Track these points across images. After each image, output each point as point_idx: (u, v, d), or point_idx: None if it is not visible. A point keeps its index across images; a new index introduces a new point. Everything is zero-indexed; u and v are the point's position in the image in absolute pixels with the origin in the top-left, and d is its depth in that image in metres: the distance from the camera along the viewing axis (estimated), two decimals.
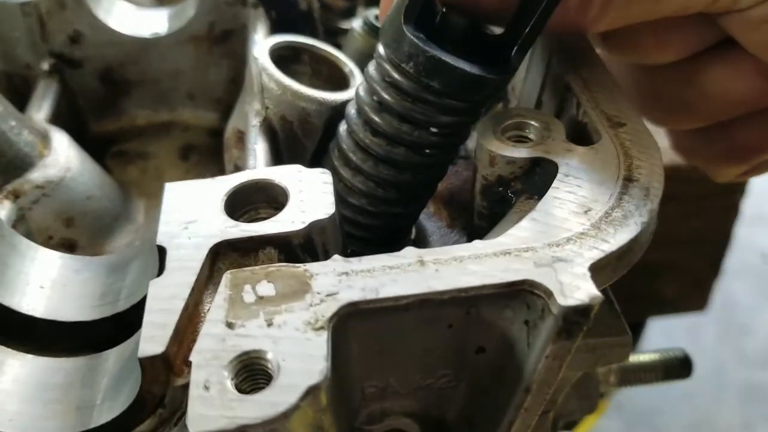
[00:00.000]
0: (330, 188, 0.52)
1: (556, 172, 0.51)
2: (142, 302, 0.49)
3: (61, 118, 0.79)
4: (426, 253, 0.46)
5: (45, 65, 0.82)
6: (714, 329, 2.58)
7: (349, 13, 0.87)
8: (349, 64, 0.71)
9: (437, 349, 0.49)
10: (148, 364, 0.43)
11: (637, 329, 1.81)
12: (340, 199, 0.59)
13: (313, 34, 0.77)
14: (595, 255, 0.45)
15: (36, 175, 0.68)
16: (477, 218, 0.59)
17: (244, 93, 0.73)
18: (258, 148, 0.64)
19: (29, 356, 0.50)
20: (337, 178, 0.60)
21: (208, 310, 0.45)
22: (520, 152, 0.53)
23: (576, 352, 0.47)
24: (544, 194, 0.50)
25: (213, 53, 0.83)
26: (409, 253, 0.46)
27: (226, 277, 0.45)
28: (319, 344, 0.41)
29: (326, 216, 0.50)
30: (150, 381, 0.43)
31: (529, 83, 0.66)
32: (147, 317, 0.44)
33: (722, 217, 1.40)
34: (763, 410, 2.41)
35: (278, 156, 0.66)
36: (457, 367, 0.51)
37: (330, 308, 0.43)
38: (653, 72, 0.71)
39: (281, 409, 0.38)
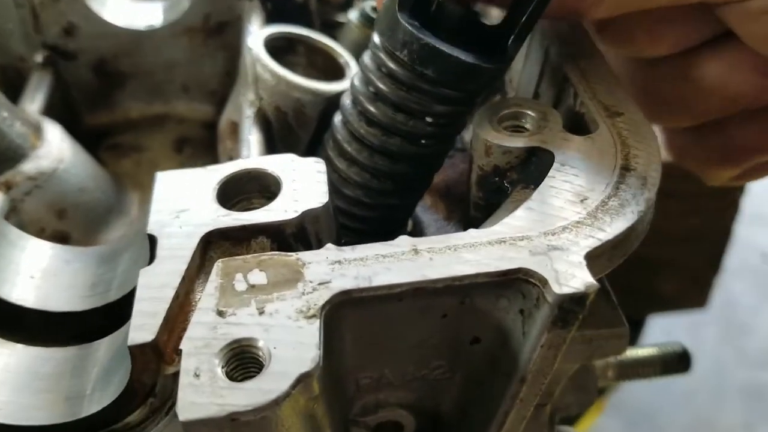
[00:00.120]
0: (324, 177, 0.51)
1: (553, 161, 0.51)
2: (133, 292, 0.48)
3: (54, 110, 0.78)
4: (420, 242, 0.45)
5: (38, 57, 0.81)
6: (714, 329, 2.58)
7: (346, 6, 0.87)
8: (345, 55, 0.71)
9: (431, 339, 0.49)
10: (138, 352, 0.42)
11: (636, 327, 1.81)
12: (334, 190, 0.59)
13: (310, 27, 0.77)
14: (591, 243, 0.44)
15: (28, 167, 0.67)
16: (473, 209, 0.59)
17: (239, 84, 0.73)
18: (252, 138, 0.63)
19: (19, 346, 0.49)
20: (332, 169, 0.60)
21: (199, 299, 0.44)
22: (516, 142, 0.53)
23: (572, 344, 0.46)
24: (540, 184, 0.50)
25: (208, 45, 0.82)
26: (403, 241, 0.46)
27: (218, 266, 0.45)
28: (311, 332, 0.41)
29: (319, 205, 0.49)
30: (140, 370, 0.43)
31: (527, 74, 0.66)
32: (137, 306, 0.44)
33: (722, 214, 1.40)
34: (763, 410, 2.41)
35: (272, 147, 0.65)
36: (452, 357, 0.51)
37: (322, 297, 0.42)
38: (649, 66, 0.69)
39: (272, 397, 0.38)
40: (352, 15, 0.77)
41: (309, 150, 0.67)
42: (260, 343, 0.40)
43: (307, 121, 0.65)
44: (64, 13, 0.79)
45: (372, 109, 0.57)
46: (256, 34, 0.68)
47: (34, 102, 0.77)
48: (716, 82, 0.65)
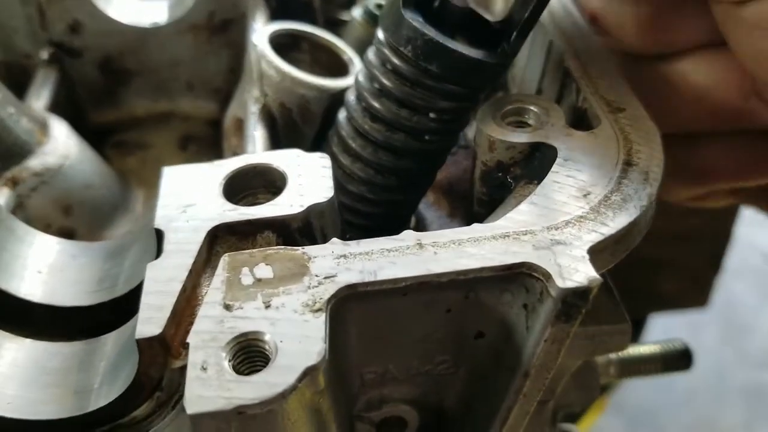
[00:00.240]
0: (329, 172, 0.52)
1: (556, 156, 0.51)
2: (139, 287, 0.49)
3: (59, 107, 0.78)
4: (424, 236, 0.46)
5: (44, 54, 0.81)
6: (715, 329, 2.58)
7: (349, 4, 0.87)
8: (349, 52, 0.71)
9: (436, 333, 0.49)
10: (145, 345, 0.42)
11: (637, 326, 1.81)
12: (339, 186, 0.59)
13: (313, 24, 0.77)
14: (594, 238, 0.45)
15: (35, 163, 0.67)
16: (477, 205, 0.59)
17: (244, 81, 0.73)
18: (257, 135, 0.64)
19: (27, 340, 0.50)
20: (337, 166, 0.60)
21: (206, 292, 0.45)
22: (520, 137, 0.53)
23: (575, 340, 0.47)
24: (543, 179, 0.50)
25: (212, 43, 0.83)
26: (408, 236, 0.46)
27: (224, 260, 0.45)
28: (317, 326, 0.41)
29: (325, 199, 0.50)
30: (147, 363, 0.43)
31: (530, 71, 0.66)
32: (144, 299, 0.44)
33: (722, 213, 1.40)
34: (764, 410, 2.41)
35: (277, 143, 0.66)
36: (456, 352, 0.51)
37: (328, 290, 0.43)
38: (633, 62, 0.66)
39: (279, 390, 0.38)
40: (356, 12, 0.77)
41: (313, 146, 0.67)
42: (267, 337, 0.41)
43: (311, 117, 0.66)
44: (70, 10, 0.80)
45: (376, 104, 0.57)
46: (261, 31, 0.68)
47: (39, 99, 0.77)
48: (696, 91, 0.62)
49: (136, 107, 0.86)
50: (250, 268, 0.45)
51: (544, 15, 0.56)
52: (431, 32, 0.53)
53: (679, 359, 0.82)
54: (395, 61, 0.55)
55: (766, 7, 0.51)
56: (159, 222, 0.49)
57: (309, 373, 0.39)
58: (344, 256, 0.45)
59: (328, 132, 0.64)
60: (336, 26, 0.85)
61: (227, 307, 0.42)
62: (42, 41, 0.81)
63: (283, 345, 0.40)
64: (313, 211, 0.49)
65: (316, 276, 0.44)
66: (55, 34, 0.81)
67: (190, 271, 0.46)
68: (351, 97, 0.60)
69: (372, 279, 0.43)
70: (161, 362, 0.43)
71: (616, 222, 0.46)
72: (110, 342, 0.49)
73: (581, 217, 0.46)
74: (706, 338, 2.54)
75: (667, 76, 0.63)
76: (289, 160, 0.52)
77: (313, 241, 0.50)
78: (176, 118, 0.86)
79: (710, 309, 1.75)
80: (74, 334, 0.51)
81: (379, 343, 0.49)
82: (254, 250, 0.46)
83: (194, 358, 0.40)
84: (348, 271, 0.44)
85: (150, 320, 0.43)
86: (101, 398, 0.46)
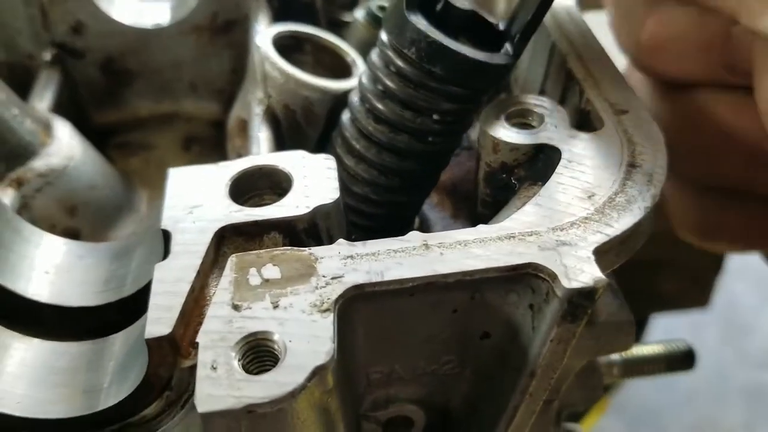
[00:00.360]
0: (334, 174, 0.52)
1: (560, 158, 0.51)
2: (147, 287, 0.49)
3: (62, 108, 0.78)
4: (431, 237, 0.46)
5: (47, 55, 0.81)
6: (716, 330, 2.58)
7: (351, 5, 0.87)
8: (352, 54, 0.71)
9: (442, 334, 0.49)
10: (154, 345, 0.43)
11: (639, 327, 1.80)
12: (343, 187, 0.59)
13: (316, 26, 0.77)
14: (599, 239, 0.45)
15: (39, 164, 0.68)
16: (480, 206, 0.59)
17: (247, 82, 0.73)
18: (261, 136, 0.64)
19: (35, 340, 0.50)
20: (341, 167, 0.60)
21: (214, 293, 0.45)
22: (524, 139, 0.53)
23: (580, 340, 0.47)
24: (547, 180, 0.50)
25: (215, 44, 0.83)
26: (414, 237, 0.46)
27: (232, 261, 0.46)
28: (326, 326, 0.41)
29: (331, 201, 0.50)
30: (157, 363, 0.44)
31: (532, 73, 0.67)
32: (153, 299, 0.44)
33: None
34: (765, 411, 2.41)
35: (281, 144, 0.66)
36: (462, 352, 0.51)
37: (335, 291, 0.43)
38: (667, 94, 0.65)
39: (289, 389, 0.38)
40: (359, 14, 0.78)
41: (317, 148, 0.67)
42: (275, 337, 0.41)
43: (315, 118, 0.66)
44: (73, 11, 0.80)
45: (380, 106, 0.58)
46: (264, 33, 0.69)
47: (42, 100, 0.77)
48: (726, 127, 0.60)
49: (138, 108, 0.86)
50: (258, 268, 0.45)
51: (547, 17, 0.56)
52: (435, 34, 0.53)
53: (682, 359, 0.83)
54: (399, 63, 0.55)
55: None
56: (166, 223, 0.49)
57: (318, 372, 0.39)
58: (351, 256, 0.45)
59: (332, 133, 0.64)
60: (338, 27, 0.85)
61: (236, 308, 0.43)
62: (44, 42, 0.81)
63: (292, 345, 0.40)
64: (320, 212, 0.50)
65: (324, 276, 0.44)
66: (57, 34, 0.81)
67: (198, 272, 0.46)
68: (355, 98, 0.61)
69: (379, 279, 0.44)
70: (171, 362, 0.44)
71: (620, 223, 0.46)
72: (118, 342, 0.49)
73: (586, 218, 0.47)
74: (706, 338, 2.54)
75: (698, 109, 0.62)
76: (294, 162, 0.53)
77: (319, 242, 0.50)
78: (179, 119, 0.86)
79: (711, 309, 1.75)
80: (82, 335, 0.51)
81: (385, 343, 0.50)
82: (261, 251, 0.46)
83: (204, 357, 0.40)
84: (355, 272, 0.44)
85: (159, 320, 0.43)
86: (110, 397, 0.46)
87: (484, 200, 0.59)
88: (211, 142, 0.85)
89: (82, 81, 0.84)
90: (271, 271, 0.45)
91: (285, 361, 0.40)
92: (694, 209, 0.70)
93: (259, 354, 0.41)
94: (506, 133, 0.54)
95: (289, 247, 0.46)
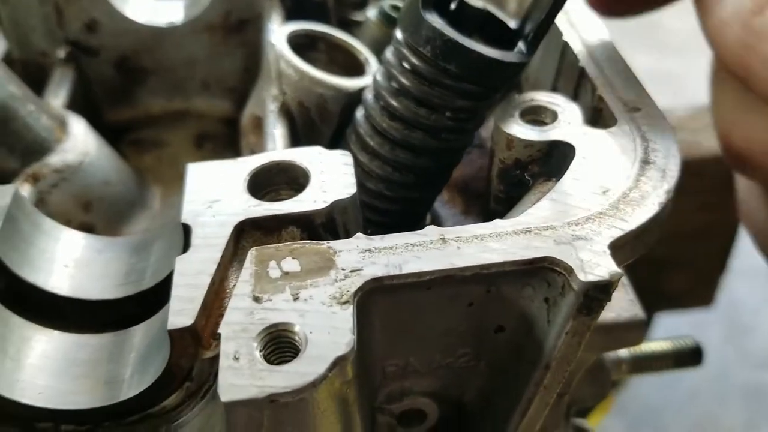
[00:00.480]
0: (351, 169, 0.53)
1: (574, 154, 0.52)
2: (166, 281, 0.50)
3: (76, 105, 0.79)
4: (447, 231, 0.47)
5: (61, 53, 0.82)
6: (719, 330, 2.57)
7: (362, 5, 0.88)
8: (365, 52, 0.72)
9: (458, 327, 0.50)
10: (176, 336, 0.43)
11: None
12: (357, 184, 0.60)
13: (327, 25, 0.78)
14: (615, 233, 0.46)
15: (55, 160, 0.68)
16: (494, 202, 0.60)
17: (261, 80, 0.74)
18: (276, 132, 0.65)
19: (56, 332, 0.51)
20: (355, 163, 0.61)
21: (234, 286, 0.46)
22: (538, 135, 0.54)
23: (592, 335, 0.48)
24: (561, 176, 0.51)
25: (228, 42, 0.84)
26: (431, 231, 0.47)
27: (252, 254, 0.46)
28: (345, 317, 0.42)
29: (348, 196, 0.51)
30: (178, 354, 0.44)
31: (544, 71, 0.67)
32: (174, 292, 0.45)
33: (729, 212, 1.41)
34: (766, 410, 2.41)
35: (296, 141, 0.67)
36: (477, 346, 0.52)
37: (355, 283, 0.44)
38: None
39: (310, 379, 0.39)
40: (371, 13, 0.78)
41: (331, 145, 0.68)
42: (296, 328, 0.42)
43: (329, 116, 0.67)
44: (87, 9, 0.80)
45: (395, 103, 0.58)
46: (279, 31, 0.69)
47: (57, 97, 0.78)
48: None
49: (151, 106, 0.87)
50: (278, 261, 0.46)
51: (559, 16, 0.57)
52: (450, 32, 0.54)
53: (690, 356, 0.83)
54: (414, 60, 0.56)
55: None
56: (186, 217, 0.50)
57: (339, 363, 0.40)
58: (369, 250, 0.46)
59: (346, 130, 0.65)
60: (348, 27, 0.86)
61: (257, 299, 0.43)
62: (59, 40, 0.82)
63: (312, 336, 0.41)
64: (337, 206, 0.50)
65: (343, 269, 0.45)
66: (71, 32, 0.82)
67: (219, 265, 0.47)
68: (369, 95, 0.61)
69: (397, 272, 0.44)
70: (192, 353, 0.44)
71: (635, 218, 0.47)
72: (139, 334, 0.50)
73: (601, 213, 0.47)
74: (709, 338, 2.53)
75: None
76: (311, 157, 0.53)
77: (336, 237, 0.51)
78: (191, 117, 0.87)
79: (714, 309, 1.75)
80: (102, 327, 0.52)
81: (401, 336, 0.50)
82: (281, 245, 0.47)
83: (226, 348, 0.41)
84: (373, 265, 0.45)
85: (181, 312, 0.44)
86: (132, 388, 0.47)
87: (497, 196, 0.59)
88: (223, 140, 0.86)
89: (95, 78, 0.84)
90: (291, 264, 0.45)
91: (306, 351, 0.40)
92: None
93: (280, 345, 0.42)
94: (520, 129, 0.55)
95: (308, 241, 0.47)
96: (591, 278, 0.43)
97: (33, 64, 0.84)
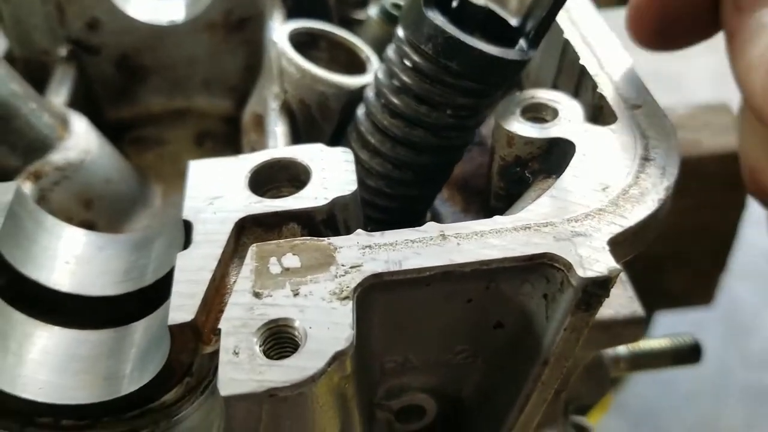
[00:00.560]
0: (352, 167, 0.53)
1: (574, 152, 0.52)
2: (166, 278, 0.50)
3: (77, 103, 0.79)
4: (448, 228, 0.47)
5: (62, 51, 0.82)
6: (718, 330, 2.58)
7: (363, 3, 0.88)
8: (366, 50, 0.72)
9: (456, 324, 0.50)
10: (177, 331, 0.44)
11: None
12: (358, 181, 0.60)
13: (329, 23, 0.78)
14: (614, 230, 0.46)
15: (57, 157, 0.69)
16: (494, 199, 0.60)
17: (263, 78, 0.74)
18: (278, 130, 0.65)
19: (56, 328, 0.51)
20: (355, 161, 0.61)
21: (235, 282, 0.46)
22: (538, 132, 0.54)
23: (590, 331, 0.48)
24: (561, 173, 0.51)
25: (229, 41, 0.84)
26: (431, 227, 0.47)
27: (252, 250, 0.47)
28: (345, 313, 0.42)
29: (349, 193, 0.51)
30: (179, 349, 0.44)
31: (545, 69, 0.67)
32: (175, 287, 0.45)
33: (728, 210, 1.41)
34: (766, 411, 2.41)
35: (297, 138, 0.67)
36: (476, 342, 0.52)
37: (354, 279, 0.44)
38: None
39: (309, 374, 0.39)
40: (372, 11, 0.79)
41: (332, 142, 0.68)
42: (296, 323, 0.42)
43: (330, 113, 0.67)
44: (88, 8, 0.81)
45: (396, 101, 0.58)
46: (281, 29, 0.70)
47: (58, 95, 0.78)
48: None
49: (152, 104, 0.87)
50: (278, 257, 0.46)
51: (560, 13, 0.57)
52: (452, 30, 0.54)
53: (689, 353, 0.83)
54: (415, 58, 0.56)
55: None
56: (187, 213, 0.50)
57: (338, 357, 0.40)
58: (369, 246, 0.46)
59: (347, 128, 0.65)
60: (349, 25, 0.86)
61: (257, 295, 0.44)
62: (60, 38, 0.82)
63: (312, 331, 0.41)
64: (337, 203, 0.50)
65: (343, 265, 0.45)
66: (73, 31, 0.82)
67: (219, 261, 0.47)
68: (370, 93, 0.61)
69: (397, 269, 0.45)
70: (192, 348, 0.44)
71: (634, 215, 0.47)
72: (139, 330, 0.50)
73: (600, 209, 0.47)
74: (708, 339, 2.53)
75: None
76: (312, 155, 0.54)
77: (337, 234, 0.51)
78: (192, 115, 0.87)
79: (713, 310, 1.75)
80: (102, 324, 0.52)
81: (400, 333, 0.50)
82: (281, 241, 0.47)
83: (226, 343, 0.41)
84: (373, 261, 0.45)
85: (182, 307, 0.44)
86: (132, 383, 0.47)
87: (497, 193, 0.59)
88: (223, 138, 0.86)
89: (97, 77, 0.85)
90: (291, 260, 0.46)
91: (306, 346, 0.41)
92: None
93: (279, 340, 0.42)
94: (521, 126, 0.55)
95: (308, 237, 0.47)
96: (590, 274, 0.43)
97: (35, 63, 0.84)
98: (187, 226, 0.49)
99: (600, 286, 0.43)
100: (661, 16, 0.58)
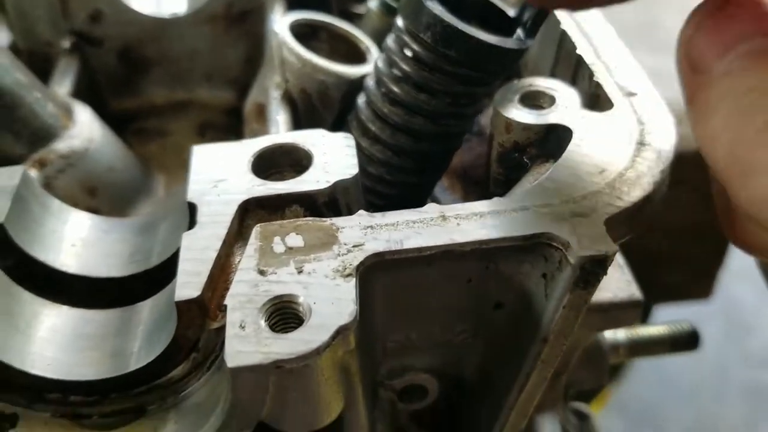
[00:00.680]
0: (353, 151, 0.54)
1: (571, 137, 0.53)
2: (171, 259, 0.51)
3: (81, 95, 0.80)
4: (448, 209, 0.48)
5: (65, 43, 0.84)
6: (718, 329, 2.59)
7: None
8: (366, 41, 0.73)
9: (457, 304, 0.51)
10: (183, 307, 0.45)
11: (642, 318, 1.81)
12: (359, 168, 0.61)
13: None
14: (610, 210, 0.47)
15: (61, 146, 0.70)
16: (493, 185, 0.61)
17: (264, 68, 0.75)
18: (279, 119, 0.66)
19: (64, 307, 0.52)
20: (357, 148, 0.62)
21: (239, 261, 0.47)
22: (536, 118, 0.55)
23: (589, 313, 0.49)
24: (559, 157, 0.52)
25: (230, 33, 0.85)
26: (432, 208, 0.48)
27: (256, 230, 0.47)
28: (348, 289, 0.43)
29: (350, 176, 0.52)
30: (185, 325, 0.45)
31: (542, 59, 0.68)
32: (181, 266, 0.46)
33: None
34: (766, 409, 2.42)
35: (298, 127, 0.68)
36: (476, 322, 0.53)
37: (357, 257, 0.45)
38: None
39: (314, 346, 0.40)
40: (372, 3, 0.80)
41: (333, 131, 0.69)
42: (300, 299, 0.43)
43: (330, 102, 0.68)
44: (91, 0, 0.82)
45: (395, 89, 0.59)
46: (282, 20, 0.71)
47: (62, 86, 0.79)
48: None
49: (155, 96, 0.88)
50: (282, 237, 0.47)
51: None
52: (450, 19, 0.55)
53: (687, 340, 0.84)
54: (414, 46, 0.57)
55: None
56: (191, 196, 0.51)
57: (342, 331, 0.41)
58: (371, 226, 0.47)
59: (347, 117, 0.66)
60: (350, 19, 0.87)
61: (261, 273, 0.45)
62: (63, 30, 0.84)
63: (316, 307, 0.42)
64: (339, 186, 0.51)
65: (345, 245, 0.46)
66: (76, 23, 0.83)
67: (224, 241, 0.48)
68: (370, 82, 0.63)
69: (398, 248, 0.45)
70: (199, 324, 0.45)
71: (631, 196, 0.48)
72: (146, 309, 0.51)
73: (597, 191, 0.48)
74: (708, 337, 2.54)
75: None
76: (314, 139, 0.54)
77: (339, 216, 0.52)
78: (194, 107, 0.88)
79: (713, 308, 1.75)
80: (109, 304, 0.53)
81: (402, 313, 0.51)
82: (284, 221, 0.48)
83: (232, 318, 0.42)
84: (375, 240, 0.46)
85: (188, 284, 0.45)
86: (140, 360, 0.48)
87: (496, 179, 0.60)
88: (225, 129, 0.87)
89: (99, 69, 0.86)
90: (295, 240, 0.47)
91: (310, 321, 0.42)
92: None
93: (284, 316, 0.43)
94: (519, 113, 0.56)
95: (311, 218, 0.48)
96: (587, 253, 0.44)
97: (38, 55, 0.85)
98: (192, 208, 0.50)
99: (598, 265, 0.44)
100: None
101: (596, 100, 0.59)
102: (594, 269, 0.44)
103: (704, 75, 0.44)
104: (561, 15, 0.65)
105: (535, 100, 0.58)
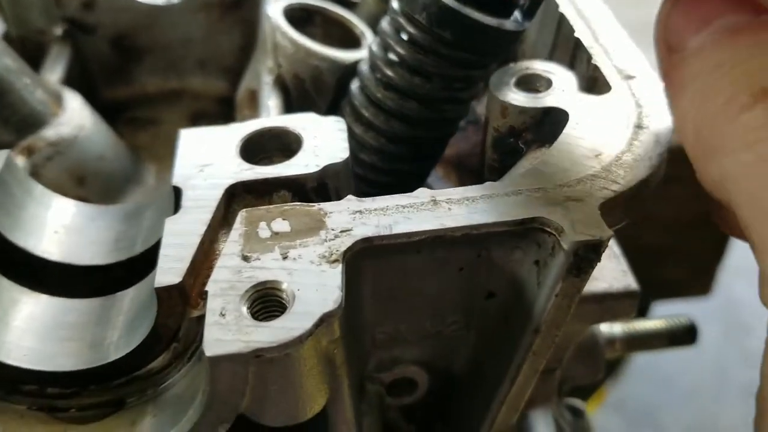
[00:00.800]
0: (344, 135, 0.52)
1: (567, 121, 0.52)
2: (155, 247, 0.50)
3: (73, 83, 0.79)
4: (439, 194, 0.47)
5: (58, 30, 0.82)
6: (717, 328, 2.57)
7: None
8: (361, 26, 0.72)
9: (448, 293, 0.50)
10: (164, 294, 0.43)
11: (640, 314, 1.80)
12: (351, 155, 0.60)
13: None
14: (606, 194, 0.46)
15: (50, 133, 0.68)
16: (488, 172, 0.60)
17: (257, 54, 0.74)
18: (271, 104, 0.65)
19: (43, 296, 0.50)
20: (350, 135, 0.61)
21: (223, 248, 0.45)
22: (532, 102, 0.54)
23: (584, 305, 0.47)
24: (554, 142, 0.51)
25: (224, 21, 0.84)
26: (423, 193, 0.47)
27: (242, 215, 0.46)
28: (334, 275, 0.42)
29: (340, 160, 0.50)
30: (166, 313, 0.44)
31: (540, 43, 0.67)
32: (163, 251, 0.45)
33: None
34: None
35: (290, 112, 0.66)
36: (467, 313, 0.52)
37: (344, 243, 0.43)
38: None
39: (296, 334, 0.39)
40: None
41: None
42: (284, 286, 0.41)
43: (324, 87, 0.67)
44: None
45: (390, 73, 0.58)
46: (276, 4, 0.69)
47: (53, 73, 0.78)
48: None
49: (147, 84, 0.87)
50: (268, 222, 0.45)
51: None
52: None
53: (684, 334, 0.83)
54: (409, 28, 0.56)
55: None
56: (177, 180, 0.49)
57: (326, 319, 0.40)
58: (360, 211, 0.46)
59: (341, 102, 0.65)
60: (344, 3, 0.86)
61: (245, 258, 0.43)
62: (56, 17, 0.82)
63: (300, 293, 0.41)
64: (328, 171, 0.50)
65: (333, 230, 0.44)
66: (68, 10, 0.82)
67: (208, 226, 0.46)
68: (364, 67, 0.61)
69: (387, 233, 0.44)
70: (179, 312, 0.44)
71: (626, 180, 0.47)
72: (127, 298, 0.50)
73: (593, 175, 0.47)
74: (707, 337, 2.53)
75: None
76: (304, 123, 0.53)
77: (328, 201, 0.51)
78: (187, 96, 0.87)
79: (712, 307, 1.73)
80: (91, 292, 0.51)
81: (391, 303, 0.50)
82: (271, 206, 0.47)
83: (213, 305, 0.40)
84: (364, 226, 0.44)
85: (169, 270, 0.43)
86: (119, 350, 0.46)
87: (491, 166, 0.59)
88: (218, 118, 0.85)
89: (92, 56, 0.84)
90: (281, 225, 0.45)
91: (293, 308, 0.40)
92: None
93: (267, 303, 0.41)
94: (515, 96, 0.54)
95: (298, 203, 0.47)
96: (581, 238, 0.42)
97: (31, 42, 0.84)
98: (177, 193, 0.49)
99: (592, 250, 0.43)
100: None
101: (594, 83, 0.57)
102: (588, 255, 0.43)
103: (679, 53, 0.42)
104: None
105: (532, 83, 0.56)
